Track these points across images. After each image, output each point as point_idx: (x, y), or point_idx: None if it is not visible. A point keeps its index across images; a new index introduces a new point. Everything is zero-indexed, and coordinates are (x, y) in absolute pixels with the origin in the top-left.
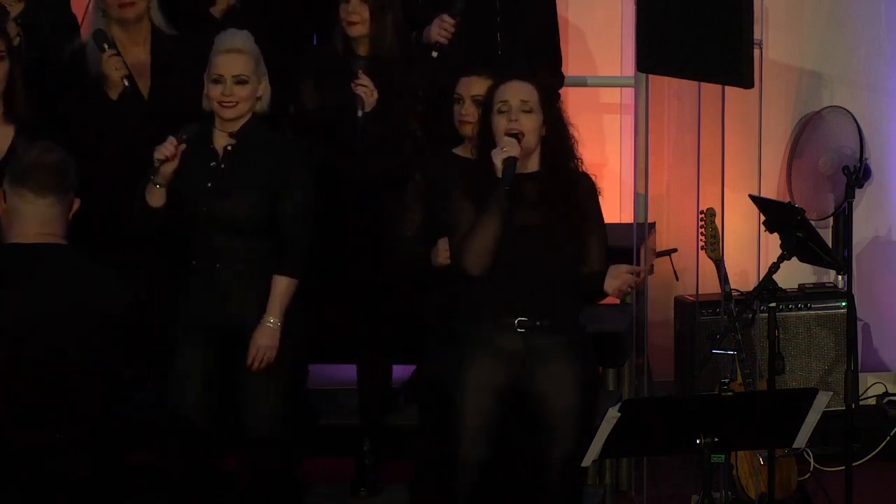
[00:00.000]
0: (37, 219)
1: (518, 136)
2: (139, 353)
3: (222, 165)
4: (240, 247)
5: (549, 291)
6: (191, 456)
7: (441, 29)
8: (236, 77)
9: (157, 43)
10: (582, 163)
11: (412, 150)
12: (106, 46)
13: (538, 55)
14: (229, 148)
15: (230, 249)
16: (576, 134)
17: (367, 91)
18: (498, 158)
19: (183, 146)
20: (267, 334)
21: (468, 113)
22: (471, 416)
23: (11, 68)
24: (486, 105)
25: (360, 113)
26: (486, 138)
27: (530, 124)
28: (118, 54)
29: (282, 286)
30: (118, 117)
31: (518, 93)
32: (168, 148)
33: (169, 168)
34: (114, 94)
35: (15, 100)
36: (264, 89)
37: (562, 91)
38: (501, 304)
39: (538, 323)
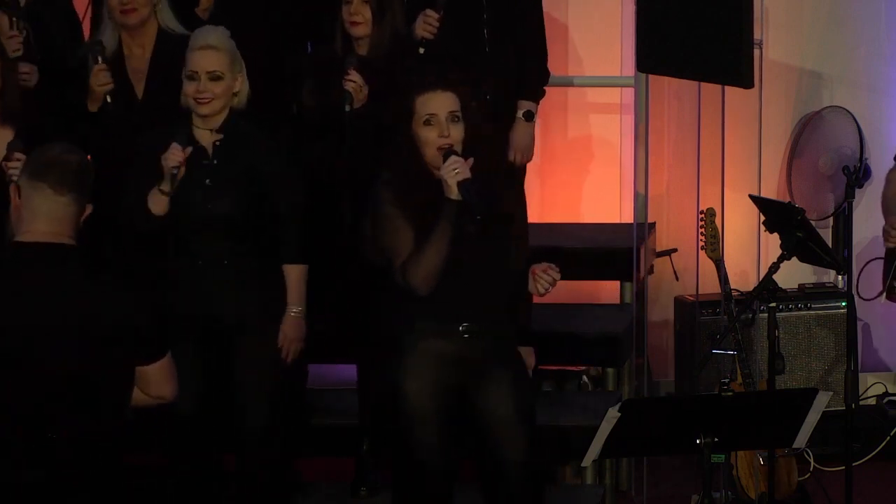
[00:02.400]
0: (51, 216)
1: (455, 152)
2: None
3: (215, 161)
4: (237, 243)
5: (484, 294)
6: (188, 455)
7: (426, 24)
8: (210, 73)
9: (162, 44)
10: (501, 160)
11: None
12: (99, 59)
13: (524, 51)
14: (217, 143)
15: (227, 246)
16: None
17: (355, 87)
18: (453, 180)
19: (189, 149)
20: (294, 324)
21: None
22: (419, 424)
23: (4, 68)
24: (405, 114)
25: (347, 108)
26: (411, 150)
27: (459, 135)
28: (108, 69)
29: (296, 274)
30: (98, 127)
31: (445, 104)
32: (177, 155)
33: (179, 175)
34: (93, 107)
35: (10, 101)
36: (241, 85)
37: (561, 91)
38: (439, 310)
39: (475, 326)
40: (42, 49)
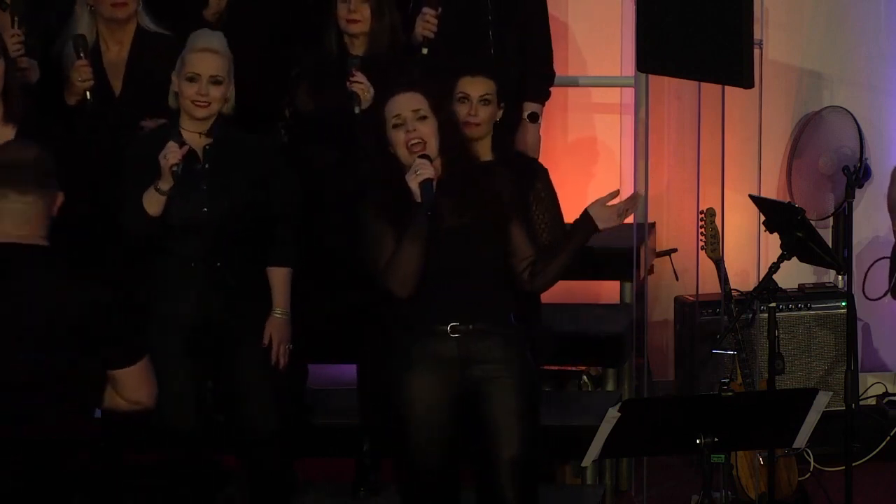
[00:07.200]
0: (17, 219)
1: (429, 157)
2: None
3: (207, 165)
4: (232, 246)
5: (478, 292)
6: (186, 456)
7: (425, 22)
8: (213, 77)
9: (140, 42)
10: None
11: None
12: (81, 55)
13: (530, 53)
14: (208, 147)
15: (222, 249)
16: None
17: (362, 88)
18: (414, 182)
19: (186, 147)
20: (280, 327)
21: (476, 114)
22: (417, 428)
23: (7, 67)
24: (378, 121)
25: (357, 110)
26: (388, 157)
27: (428, 130)
28: (90, 65)
29: (281, 277)
30: (75, 121)
31: (408, 104)
32: (177, 153)
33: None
34: (71, 101)
35: (13, 100)
36: (231, 92)
37: (562, 91)
38: (433, 311)
39: (471, 326)
40: (41, 46)
